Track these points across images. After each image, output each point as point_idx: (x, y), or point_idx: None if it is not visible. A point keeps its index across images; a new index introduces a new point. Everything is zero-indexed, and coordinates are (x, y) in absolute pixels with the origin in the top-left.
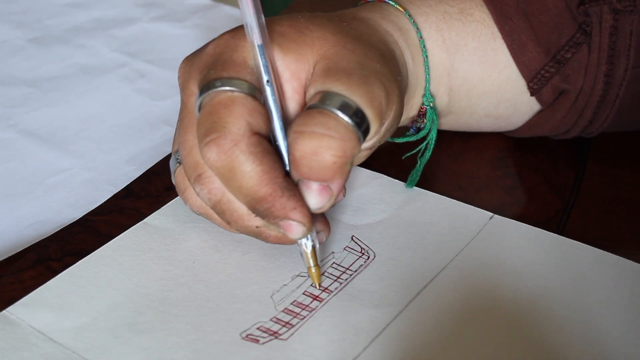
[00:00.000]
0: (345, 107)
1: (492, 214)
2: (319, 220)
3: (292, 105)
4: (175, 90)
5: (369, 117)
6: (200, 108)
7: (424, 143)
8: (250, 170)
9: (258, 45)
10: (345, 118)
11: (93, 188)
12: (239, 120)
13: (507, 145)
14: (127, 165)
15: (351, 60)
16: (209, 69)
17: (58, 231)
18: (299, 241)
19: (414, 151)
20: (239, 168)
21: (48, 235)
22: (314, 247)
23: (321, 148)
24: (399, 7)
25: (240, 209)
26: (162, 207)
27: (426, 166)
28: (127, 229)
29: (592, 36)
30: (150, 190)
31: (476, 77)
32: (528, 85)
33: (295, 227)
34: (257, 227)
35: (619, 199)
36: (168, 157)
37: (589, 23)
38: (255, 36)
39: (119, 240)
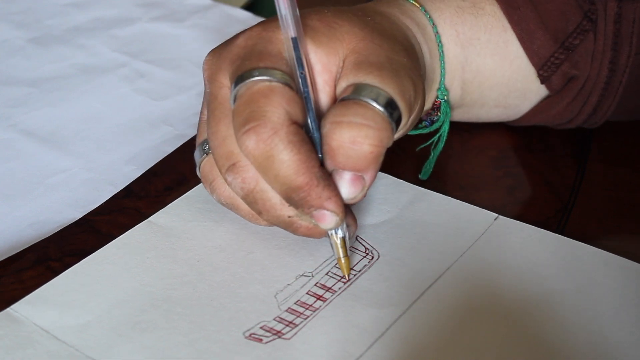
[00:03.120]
0: (380, 99)
1: (496, 214)
2: (348, 215)
3: (323, 98)
4: (175, 90)
5: (401, 109)
6: (235, 98)
7: (437, 135)
8: (288, 159)
9: (293, 38)
10: (381, 109)
11: (93, 188)
12: (278, 109)
13: (507, 145)
14: (127, 165)
15: (380, 54)
16: (243, 60)
17: (58, 231)
18: (330, 232)
19: (427, 144)
20: (277, 156)
21: (48, 235)
22: (343, 238)
23: (359, 137)
24: (414, 3)
25: (274, 198)
26: (167, 206)
27: None
28: (127, 229)
29: (597, 24)
30: (150, 190)
31: (488, 70)
32: (538, 73)
33: (328, 217)
34: (289, 217)
35: (619, 199)
36: (168, 157)
37: (594, 11)
38: (290, 29)
39: (123, 239)
